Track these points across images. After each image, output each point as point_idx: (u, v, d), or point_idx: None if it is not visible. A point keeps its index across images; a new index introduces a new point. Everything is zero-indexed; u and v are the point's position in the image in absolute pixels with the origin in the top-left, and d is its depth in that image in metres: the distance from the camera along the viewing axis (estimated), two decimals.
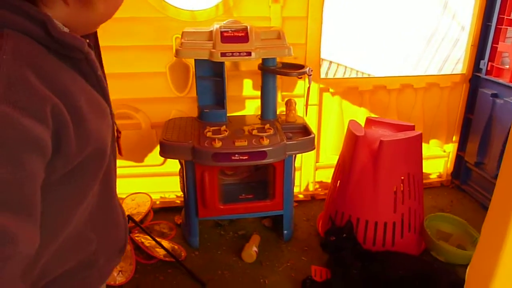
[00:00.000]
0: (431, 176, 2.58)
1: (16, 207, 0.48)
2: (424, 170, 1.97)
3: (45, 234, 0.57)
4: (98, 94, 0.64)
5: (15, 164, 0.47)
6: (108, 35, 1.86)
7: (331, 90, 2.20)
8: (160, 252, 1.84)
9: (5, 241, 0.45)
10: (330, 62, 3.54)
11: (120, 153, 0.77)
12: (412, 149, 1.82)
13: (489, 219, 0.91)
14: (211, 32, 1.69)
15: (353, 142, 1.80)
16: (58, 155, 0.53)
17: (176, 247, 1.91)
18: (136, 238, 1.89)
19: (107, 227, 0.74)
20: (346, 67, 3.47)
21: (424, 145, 1.91)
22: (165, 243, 1.90)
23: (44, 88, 0.51)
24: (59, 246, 0.63)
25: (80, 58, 0.60)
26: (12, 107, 0.47)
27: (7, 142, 0.46)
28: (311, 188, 2.38)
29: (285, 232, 1.99)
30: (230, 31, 1.69)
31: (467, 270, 0.74)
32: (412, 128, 1.89)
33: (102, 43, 1.88)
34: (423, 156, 1.90)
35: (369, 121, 2.00)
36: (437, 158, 2.54)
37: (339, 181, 1.93)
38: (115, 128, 0.74)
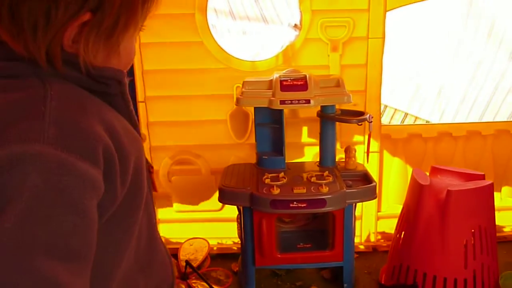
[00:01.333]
0: (504, 229, 2.38)
1: (75, 257, 0.46)
2: (496, 223, 1.83)
3: (99, 282, 0.56)
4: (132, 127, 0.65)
5: (77, 211, 0.46)
6: (173, 85, 1.97)
7: (392, 137, 2.15)
8: None
9: None
10: (386, 106, 3.46)
11: (155, 189, 0.76)
12: (482, 200, 1.71)
13: None
14: (271, 81, 1.73)
15: (418, 191, 1.72)
16: (106, 194, 0.53)
17: None
18: (193, 284, 1.88)
19: (153, 266, 0.72)
20: (406, 113, 3.37)
21: (496, 195, 1.79)
22: None
23: (96, 128, 0.51)
24: None
25: (115, 94, 0.61)
26: (67, 152, 0.46)
27: (67, 189, 0.46)
28: (372, 238, 2.28)
29: (345, 285, 1.90)
30: (289, 80, 1.72)
31: None
32: (481, 177, 1.78)
33: (168, 93, 2.00)
34: (495, 207, 1.77)
35: (434, 170, 1.91)
36: (511, 210, 2.35)
37: (403, 232, 1.84)
38: (149, 163, 0.73)
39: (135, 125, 0.66)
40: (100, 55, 0.58)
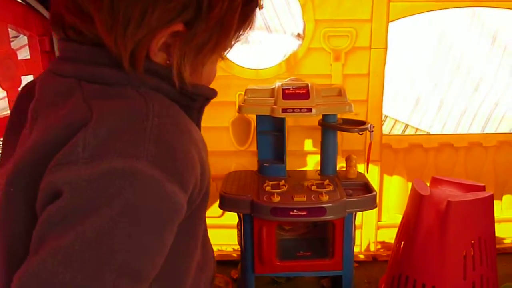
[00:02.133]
0: (505, 241, 2.38)
1: (142, 278, 0.46)
2: (496, 234, 1.83)
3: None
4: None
5: (156, 234, 0.47)
6: None
7: (393, 146, 2.16)
8: None
9: None
10: (386, 116, 3.47)
11: None
12: (483, 211, 1.71)
13: None
14: (273, 89, 1.75)
15: (418, 201, 1.73)
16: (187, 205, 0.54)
17: None
18: None
19: (208, 264, 0.73)
20: (407, 125, 3.37)
21: (496, 207, 1.79)
22: None
23: (192, 154, 0.52)
24: None
25: (196, 108, 0.62)
26: (162, 173, 0.47)
27: (155, 210, 0.46)
28: (372, 248, 2.28)
29: None
30: (291, 88, 1.73)
31: None
32: (482, 188, 1.79)
33: None
34: (496, 219, 1.77)
35: (435, 180, 1.92)
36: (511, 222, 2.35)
37: (403, 242, 1.84)
38: None
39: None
40: (186, 71, 0.58)
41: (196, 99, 0.61)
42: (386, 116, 3.41)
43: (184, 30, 0.54)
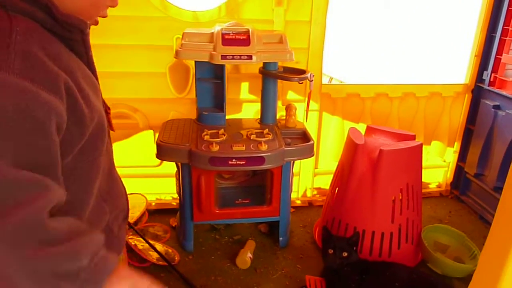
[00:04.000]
0: (430, 186, 2.55)
1: (42, 171, 0.53)
2: (423, 179, 1.94)
3: (76, 211, 0.66)
4: (90, 72, 0.71)
5: (42, 133, 0.53)
6: (108, 33, 1.84)
7: (332, 96, 2.18)
8: (153, 255, 1.81)
9: (40, 189, 0.51)
10: (331, 78, 3.52)
11: (112, 128, 0.83)
12: (412, 159, 1.80)
13: (492, 237, 0.88)
14: (212, 34, 1.67)
15: (353, 150, 1.78)
16: (76, 125, 0.60)
17: (170, 250, 1.88)
18: (130, 240, 1.86)
19: (114, 197, 0.81)
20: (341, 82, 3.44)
21: (424, 154, 1.89)
22: (158, 246, 1.87)
23: (54, 66, 0.56)
24: (85, 220, 0.71)
25: (77, 40, 0.66)
26: (31, 83, 0.52)
27: (33, 113, 0.51)
28: (309, 194, 2.36)
29: (281, 238, 1.97)
30: (231, 34, 1.66)
31: None
32: (412, 137, 1.87)
33: (102, 41, 1.86)
34: (423, 165, 1.88)
35: (369, 129, 1.98)
36: (437, 168, 2.51)
37: (337, 189, 1.91)
38: (106, 105, 0.81)
39: (93, 71, 0.73)
40: None
41: (70, 29, 0.63)
42: (331, 78, 3.44)
43: None
